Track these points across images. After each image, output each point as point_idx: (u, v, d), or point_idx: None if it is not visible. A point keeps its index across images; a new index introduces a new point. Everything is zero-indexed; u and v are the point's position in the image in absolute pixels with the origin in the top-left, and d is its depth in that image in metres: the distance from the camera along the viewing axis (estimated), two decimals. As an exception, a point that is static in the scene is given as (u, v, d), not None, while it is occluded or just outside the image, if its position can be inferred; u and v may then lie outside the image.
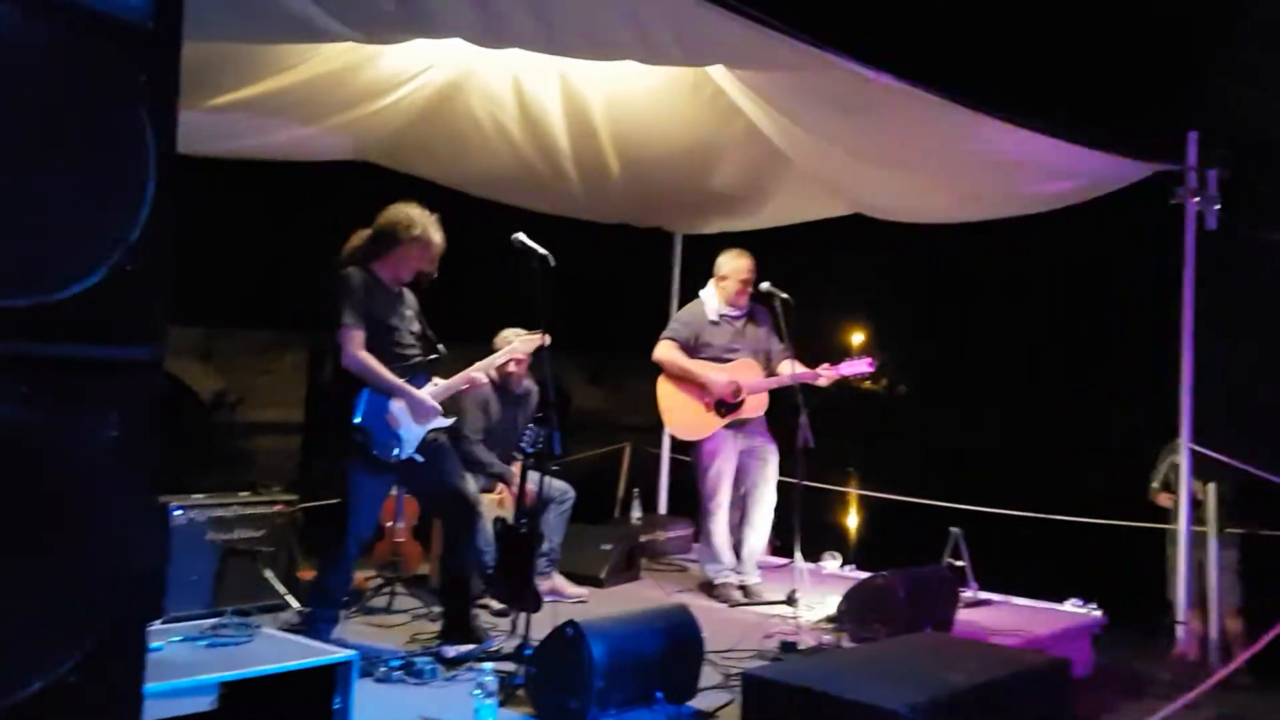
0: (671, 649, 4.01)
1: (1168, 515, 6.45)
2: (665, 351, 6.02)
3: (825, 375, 5.84)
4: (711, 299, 6.08)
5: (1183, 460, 5.87)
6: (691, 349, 6.01)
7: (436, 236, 4.59)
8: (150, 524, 2.03)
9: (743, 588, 6.03)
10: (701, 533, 6.15)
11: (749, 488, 6.06)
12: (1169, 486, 6.40)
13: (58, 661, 1.81)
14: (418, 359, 4.64)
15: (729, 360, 5.99)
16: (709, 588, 6.06)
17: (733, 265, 6.04)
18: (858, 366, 5.88)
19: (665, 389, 6.03)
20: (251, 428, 25.09)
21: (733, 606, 5.82)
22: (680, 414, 6.01)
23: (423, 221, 4.56)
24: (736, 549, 6.08)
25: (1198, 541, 6.02)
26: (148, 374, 1.99)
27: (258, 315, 26.29)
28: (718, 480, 5.96)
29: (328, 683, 3.24)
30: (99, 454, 1.89)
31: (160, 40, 1.90)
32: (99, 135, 1.84)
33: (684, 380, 5.99)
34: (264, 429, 24.64)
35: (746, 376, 5.95)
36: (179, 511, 4.86)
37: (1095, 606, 5.96)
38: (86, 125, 1.82)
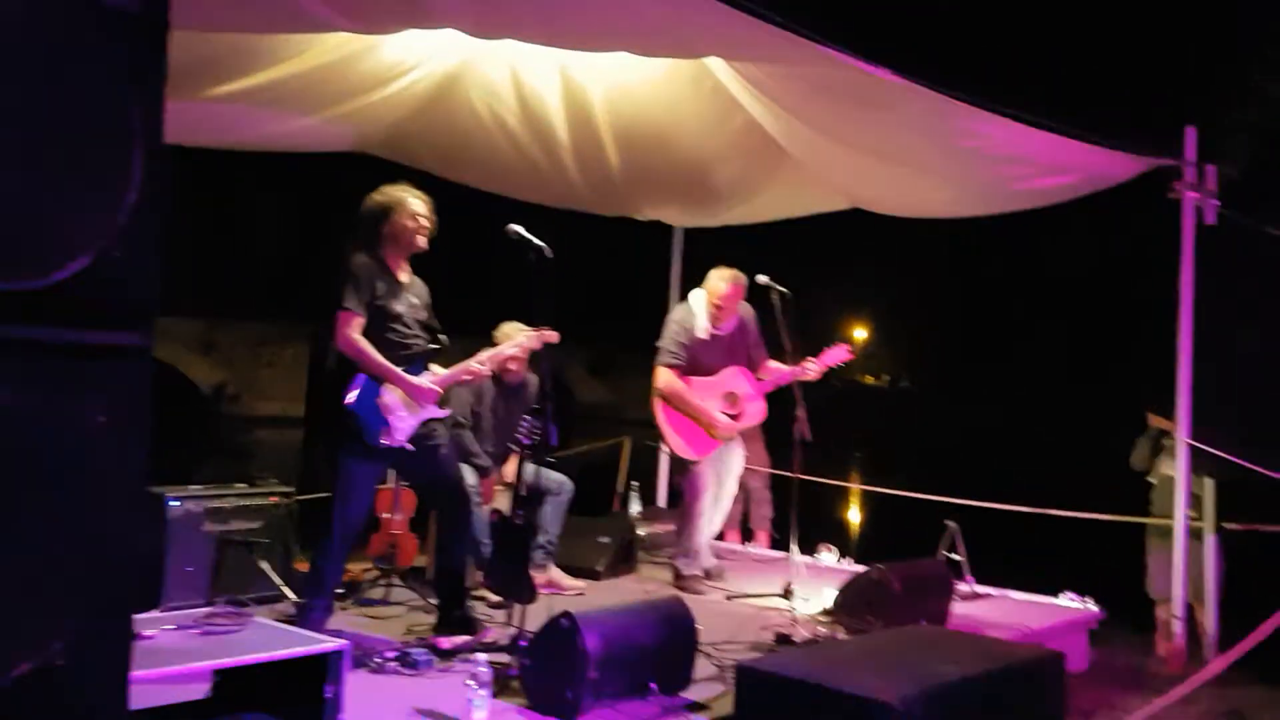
0: (666, 640, 4.02)
1: (1151, 508, 6.48)
2: (667, 382, 5.97)
3: (812, 369, 5.93)
4: (701, 314, 6.04)
5: (1180, 455, 5.87)
6: (685, 367, 6.01)
7: (416, 200, 4.63)
8: (139, 509, 2.04)
9: (705, 572, 6.11)
10: (684, 532, 6.15)
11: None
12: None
13: (44, 643, 1.81)
14: (418, 348, 4.64)
15: (716, 373, 6.02)
16: (677, 578, 6.08)
17: (710, 285, 6.04)
18: (837, 354, 6.01)
19: (665, 413, 5.99)
20: (252, 421, 25.13)
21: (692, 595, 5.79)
22: (684, 435, 5.98)
23: (397, 193, 4.62)
24: None
25: (1195, 535, 6.01)
26: (137, 359, 1.98)
27: (259, 308, 26.29)
28: (703, 482, 6.01)
29: (319, 672, 3.25)
30: (87, 438, 1.89)
31: (147, 23, 1.89)
32: (83, 118, 1.82)
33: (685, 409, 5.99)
34: (264, 422, 24.69)
35: (740, 387, 5.99)
36: (175, 502, 4.85)
37: (1091, 601, 5.97)
38: (69, 108, 1.81)
